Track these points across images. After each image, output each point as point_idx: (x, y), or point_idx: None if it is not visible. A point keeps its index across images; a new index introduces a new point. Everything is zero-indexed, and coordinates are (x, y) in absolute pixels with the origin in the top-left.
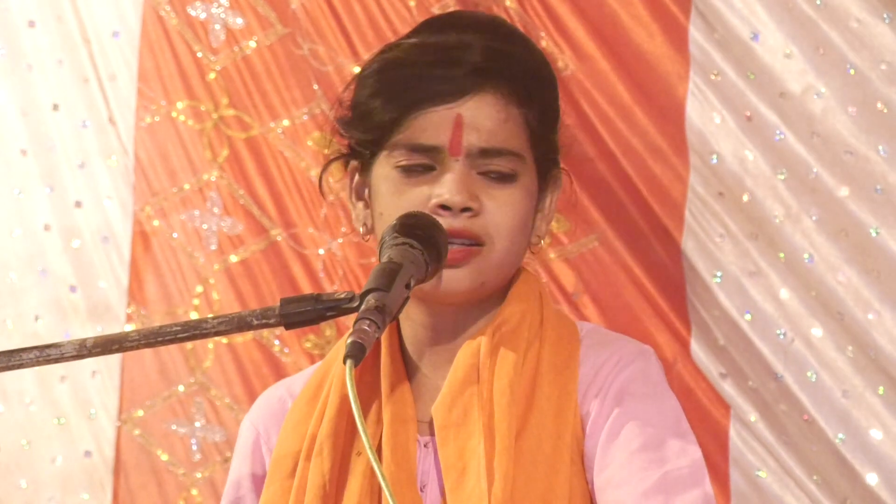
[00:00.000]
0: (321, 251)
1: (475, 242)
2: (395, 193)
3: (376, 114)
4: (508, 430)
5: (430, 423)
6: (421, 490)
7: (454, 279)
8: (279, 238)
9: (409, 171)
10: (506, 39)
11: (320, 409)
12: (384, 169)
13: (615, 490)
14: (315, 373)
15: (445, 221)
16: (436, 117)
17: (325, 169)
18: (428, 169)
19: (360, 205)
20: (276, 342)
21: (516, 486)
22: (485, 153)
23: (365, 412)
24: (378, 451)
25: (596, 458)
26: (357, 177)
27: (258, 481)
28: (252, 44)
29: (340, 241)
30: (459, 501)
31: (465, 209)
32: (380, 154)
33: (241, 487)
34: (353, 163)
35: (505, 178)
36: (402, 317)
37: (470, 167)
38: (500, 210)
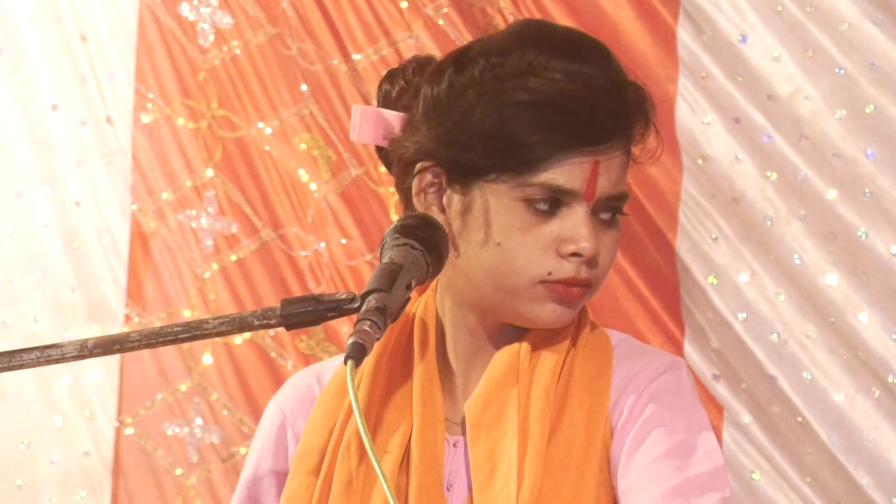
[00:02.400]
0: (305, 252)
1: (589, 286)
2: (520, 228)
3: (519, 151)
4: (541, 435)
5: (461, 423)
6: (447, 489)
7: (563, 315)
8: (269, 239)
9: (537, 209)
10: (625, 78)
11: (348, 403)
12: (505, 199)
13: (636, 494)
14: (341, 367)
15: (572, 267)
16: (577, 161)
17: (413, 175)
18: (554, 208)
19: (436, 209)
20: (270, 341)
21: (544, 490)
22: (610, 199)
23: (396, 411)
24: (407, 451)
25: (620, 463)
26: (444, 185)
27: (280, 464)
28: (240, 44)
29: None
30: (486, 502)
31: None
32: (495, 179)
33: (261, 469)
34: (427, 165)
35: (614, 221)
36: (447, 321)
37: (592, 210)
38: (607, 254)
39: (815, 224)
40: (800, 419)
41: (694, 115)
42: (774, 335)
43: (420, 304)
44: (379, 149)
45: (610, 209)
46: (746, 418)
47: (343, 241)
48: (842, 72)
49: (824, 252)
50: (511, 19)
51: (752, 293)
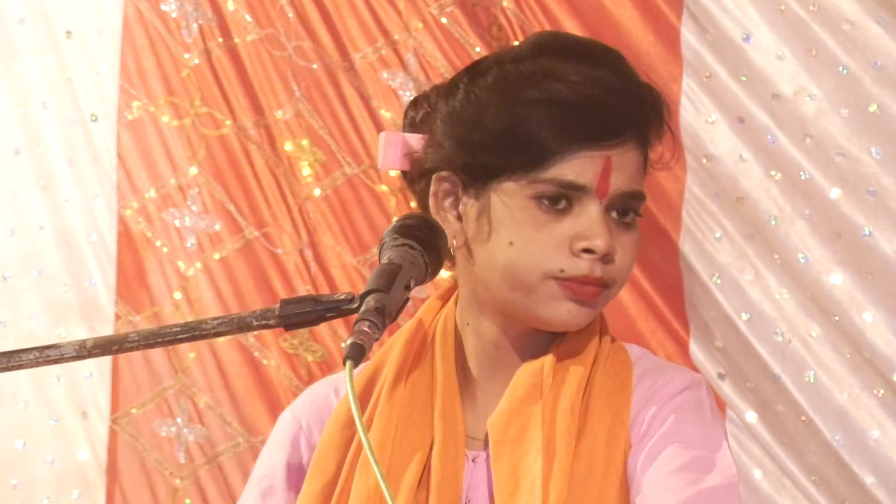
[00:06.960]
0: (280, 251)
1: (605, 286)
2: (533, 226)
3: (530, 146)
4: (567, 452)
5: (482, 439)
6: None
7: (579, 315)
8: (252, 237)
9: (549, 206)
10: (639, 80)
11: (368, 416)
12: (517, 199)
13: None
14: (360, 375)
15: (585, 265)
16: (588, 158)
17: (429, 183)
18: (567, 206)
19: (453, 218)
20: (253, 340)
21: None
22: (625, 196)
23: (416, 426)
24: (427, 466)
25: (635, 476)
26: (460, 193)
27: (294, 473)
28: (224, 41)
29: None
30: None
31: (605, 255)
32: (508, 179)
33: (275, 477)
34: (443, 174)
35: (632, 222)
36: (468, 330)
37: (607, 209)
38: (626, 256)
39: (819, 223)
40: (804, 418)
41: (698, 115)
42: (778, 334)
43: (441, 318)
44: (405, 175)
45: (625, 208)
46: (751, 417)
47: (328, 241)
48: (845, 71)
49: (829, 251)
50: (514, 18)
51: (756, 292)
